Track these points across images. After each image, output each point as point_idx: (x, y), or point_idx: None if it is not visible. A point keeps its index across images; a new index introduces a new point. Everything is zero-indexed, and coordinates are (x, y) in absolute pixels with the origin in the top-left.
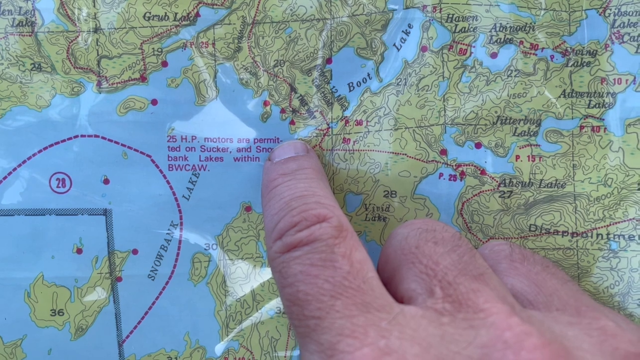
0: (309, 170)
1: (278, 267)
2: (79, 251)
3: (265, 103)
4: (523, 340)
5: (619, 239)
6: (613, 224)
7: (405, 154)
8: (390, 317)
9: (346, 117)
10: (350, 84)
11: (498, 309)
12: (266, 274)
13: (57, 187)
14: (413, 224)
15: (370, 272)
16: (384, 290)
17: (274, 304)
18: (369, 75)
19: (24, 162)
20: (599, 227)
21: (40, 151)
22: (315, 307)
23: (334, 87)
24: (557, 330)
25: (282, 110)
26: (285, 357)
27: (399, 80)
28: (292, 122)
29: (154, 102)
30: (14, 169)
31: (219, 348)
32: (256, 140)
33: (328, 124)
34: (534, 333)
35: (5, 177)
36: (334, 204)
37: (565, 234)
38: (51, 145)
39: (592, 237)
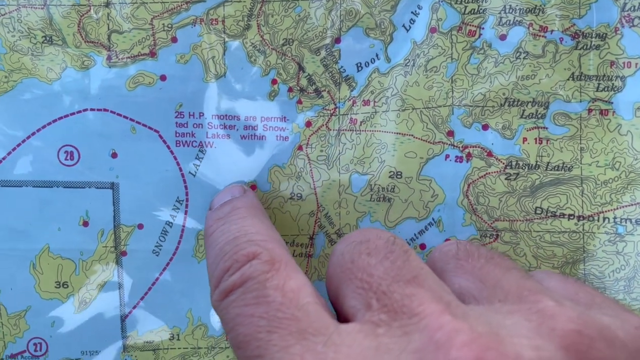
0: (242, 209)
1: (220, 315)
2: (85, 224)
3: (273, 81)
4: (452, 339)
5: (626, 222)
6: (620, 208)
7: (412, 135)
8: (325, 338)
9: (354, 97)
10: (359, 64)
11: (431, 310)
12: None
13: (65, 159)
14: (349, 238)
15: (307, 297)
16: (322, 313)
17: None
18: (377, 55)
19: (33, 134)
20: (605, 211)
21: (49, 123)
22: (255, 346)
23: (342, 67)
24: (494, 321)
25: (290, 89)
26: None
27: (407, 61)
28: (299, 102)
29: (163, 77)
30: (23, 141)
31: (221, 326)
32: (263, 119)
33: (335, 104)
34: (464, 329)
35: (14, 148)
36: (267, 237)
37: (572, 217)
38: (60, 118)
39: (598, 220)
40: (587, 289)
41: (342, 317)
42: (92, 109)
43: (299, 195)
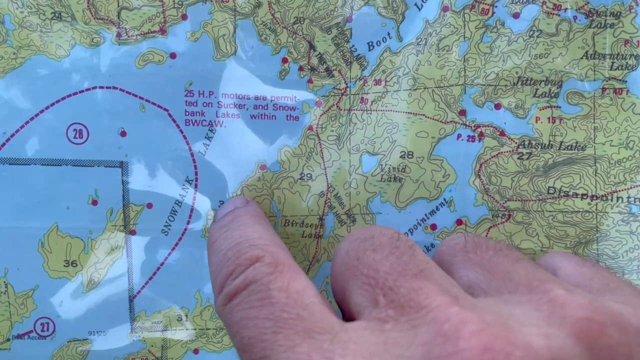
0: (244, 217)
1: (224, 319)
2: (94, 203)
3: (284, 60)
4: (460, 329)
5: None
6: (634, 187)
7: (424, 115)
8: (332, 336)
9: (365, 76)
10: (370, 43)
11: (438, 302)
12: (279, 234)
13: (74, 138)
14: (352, 235)
15: (311, 297)
16: (327, 313)
17: None
18: (389, 34)
19: (42, 111)
20: (619, 190)
21: (58, 101)
22: (260, 348)
23: (353, 46)
24: (504, 312)
25: (301, 68)
26: None
27: (419, 40)
28: (310, 81)
29: (173, 55)
30: (32, 118)
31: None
32: (273, 98)
33: (346, 83)
34: (472, 319)
35: (22, 126)
36: (270, 242)
37: (585, 196)
38: (69, 96)
39: (612, 200)
40: (604, 273)
41: (348, 316)
42: (101, 87)
43: (309, 175)
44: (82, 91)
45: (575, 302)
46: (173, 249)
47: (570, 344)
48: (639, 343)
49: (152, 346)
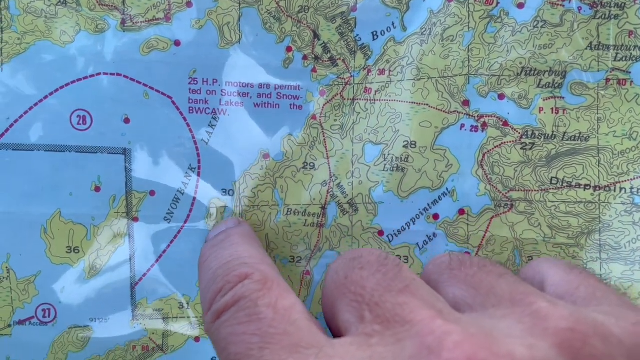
0: (235, 236)
1: (212, 336)
2: (97, 189)
3: (288, 49)
4: (444, 341)
5: None
6: (637, 178)
7: (427, 104)
8: (317, 351)
9: (369, 66)
10: (374, 33)
11: (422, 316)
12: (281, 223)
13: (78, 124)
14: (343, 256)
15: (298, 314)
16: (314, 328)
17: (288, 252)
18: (393, 24)
19: (46, 97)
20: (622, 181)
21: (62, 87)
22: None
23: (357, 35)
24: (487, 325)
25: (305, 57)
26: None
27: (424, 30)
28: (314, 70)
29: (177, 43)
30: (36, 104)
31: None
32: (277, 87)
33: (350, 73)
34: (456, 331)
35: (26, 112)
36: (260, 261)
37: (588, 187)
38: (73, 82)
39: (615, 191)
40: (591, 281)
41: (336, 334)
42: (105, 74)
43: (311, 164)
44: (86, 77)
45: (557, 313)
46: (175, 236)
47: (554, 354)
48: (622, 353)
49: (153, 334)
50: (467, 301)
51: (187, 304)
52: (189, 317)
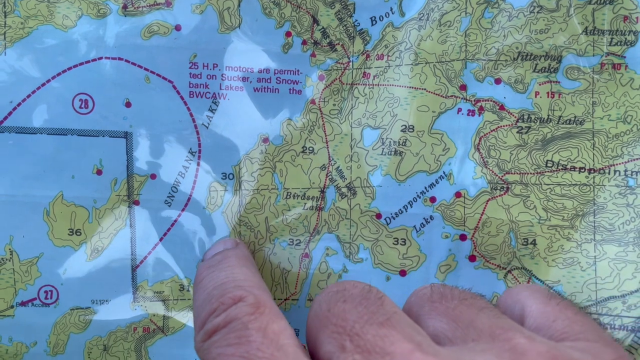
0: (232, 258)
1: (201, 356)
2: (99, 172)
3: (288, 34)
4: None
5: (637, 175)
6: (631, 161)
7: (425, 89)
8: None
9: (367, 51)
10: (373, 18)
11: (402, 349)
12: (281, 206)
13: (80, 107)
14: (327, 289)
15: (287, 339)
16: (300, 354)
17: (287, 235)
18: (391, 9)
19: (48, 81)
20: (616, 164)
21: (64, 71)
22: None
23: (356, 20)
24: (467, 359)
25: (304, 42)
26: (295, 288)
27: (422, 15)
28: (313, 55)
29: (178, 27)
30: (38, 88)
31: None
32: (276, 71)
33: (349, 58)
34: None
35: (29, 95)
36: (255, 285)
37: (583, 170)
38: (75, 66)
39: (609, 173)
40: (568, 313)
41: None
42: (107, 58)
43: (310, 148)
44: (88, 62)
45: (535, 350)
46: (176, 220)
47: None
48: None
49: (154, 315)
50: (446, 334)
51: (188, 286)
52: (189, 299)
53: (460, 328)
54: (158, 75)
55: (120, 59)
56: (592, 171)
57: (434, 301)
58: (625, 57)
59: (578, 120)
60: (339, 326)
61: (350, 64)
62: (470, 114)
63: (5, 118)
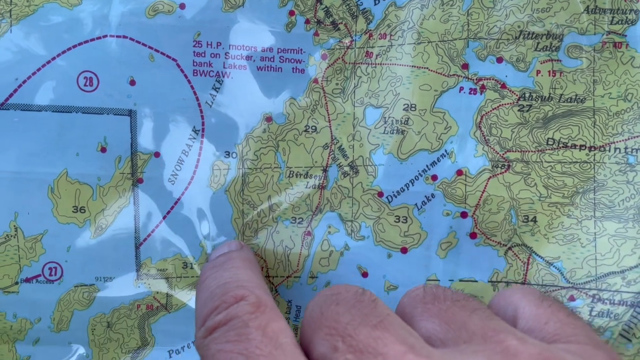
0: (237, 260)
1: (201, 352)
2: (103, 150)
3: (291, 13)
4: None
5: (637, 152)
6: (631, 138)
7: (427, 68)
8: None
9: (370, 30)
10: None
11: (395, 351)
12: (284, 184)
13: (85, 85)
14: (321, 292)
15: (286, 338)
16: (298, 354)
17: (290, 214)
18: None
19: (54, 58)
20: (617, 141)
21: (69, 49)
22: None
23: None
24: None
25: (307, 21)
26: (297, 266)
27: None
28: (316, 34)
29: (182, 6)
30: (43, 65)
31: None
32: (280, 50)
33: (352, 37)
34: None
35: (34, 73)
36: (257, 285)
37: (583, 147)
38: (80, 44)
39: (609, 151)
40: (560, 316)
41: None
42: (112, 36)
43: (313, 127)
44: (93, 40)
45: (527, 352)
46: (179, 198)
47: None
48: None
49: (157, 293)
50: (439, 336)
51: (191, 264)
52: (192, 277)
53: (453, 330)
54: (162, 53)
55: (124, 37)
56: (592, 149)
57: (427, 302)
58: (626, 35)
59: (579, 98)
60: (332, 328)
61: (353, 43)
62: (472, 92)
63: (11, 95)
